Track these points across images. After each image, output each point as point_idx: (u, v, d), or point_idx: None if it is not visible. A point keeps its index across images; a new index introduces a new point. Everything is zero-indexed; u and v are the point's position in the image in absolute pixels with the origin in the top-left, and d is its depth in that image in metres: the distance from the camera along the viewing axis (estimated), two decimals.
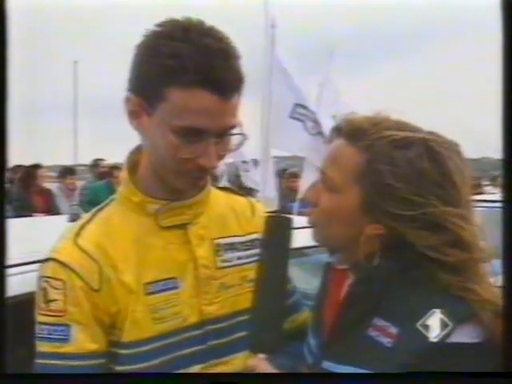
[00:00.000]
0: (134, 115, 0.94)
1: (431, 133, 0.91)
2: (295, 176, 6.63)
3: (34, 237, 1.78)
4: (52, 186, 6.37)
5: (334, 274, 1.02)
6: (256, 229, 1.07)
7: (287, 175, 7.12)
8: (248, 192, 4.84)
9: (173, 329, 0.98)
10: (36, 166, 5.99)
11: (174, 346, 0.98)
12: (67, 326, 0.92)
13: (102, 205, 1.05)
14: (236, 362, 1.02)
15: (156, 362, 0.96)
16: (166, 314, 0.97)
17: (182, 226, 1.02)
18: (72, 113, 8.61)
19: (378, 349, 0.83)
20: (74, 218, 1.90)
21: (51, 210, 5.64)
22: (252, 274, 0.99)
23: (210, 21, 0.91)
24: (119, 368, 0.95)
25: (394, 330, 0.83)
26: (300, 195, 4.80)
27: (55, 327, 0.92)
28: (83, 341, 0.92)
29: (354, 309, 0.90)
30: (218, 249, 1.05)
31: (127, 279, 0.95)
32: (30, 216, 4.61)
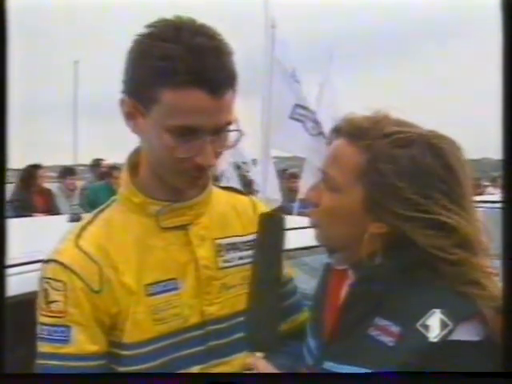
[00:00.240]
0: (129, 117, 0.94)
1: (431, 131, 0.91)
2: (295, 176, 6.63)
3: (33, 237, 1.78)
4: (52, 186, 6.36)
5: (334, 274, 1.02)
6: None
7: (287, 176, 7.12)
8: (249, 192, 4.83)
9: (174, 330, 0.98)
10: (36, 166, 5.97)
11: (174, 346, 0.98)
12: (67, 327, 0.92)
13: (103, 206, 1.05)
14: (237, 363, 1.01)
15: (157, 362, 0.96)
16: (167, 315, 0.97)
17: (183, 227, 1.01)
18: (72, 113, 8.57)
19: (379, 348, 0.83)
20: (74, 218, 1.90)
21: (51, 210, 5.63)
22: None
23: (210, 21, 0.91)
24: (120, 369, 0.95)
25: (395, 329, 0.83)
26: (300, 195, 4.81)
27: (55, 328, 0.92)
28: (83, 342, 0.92)
29: (354, 308, 0.90)
30: (220, 249, 1.05)
31: (128, 280, 0.95)
32: (30, 216, 4.61)
